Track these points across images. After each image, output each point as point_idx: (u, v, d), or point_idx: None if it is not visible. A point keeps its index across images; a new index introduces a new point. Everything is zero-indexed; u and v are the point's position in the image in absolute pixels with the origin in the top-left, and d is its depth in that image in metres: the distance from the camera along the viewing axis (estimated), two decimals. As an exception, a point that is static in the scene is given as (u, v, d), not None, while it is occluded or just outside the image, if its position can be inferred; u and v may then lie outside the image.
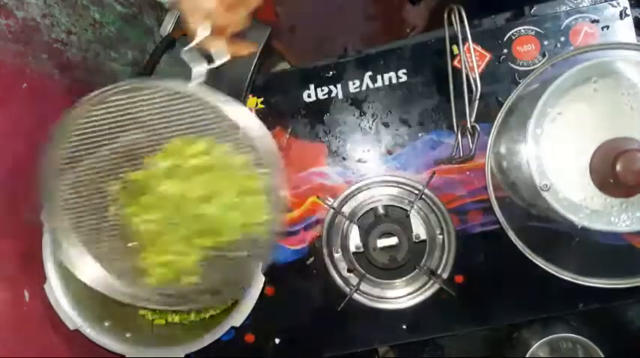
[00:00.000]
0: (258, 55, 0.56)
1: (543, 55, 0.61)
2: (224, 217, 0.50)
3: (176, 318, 0.61)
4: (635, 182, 0.46)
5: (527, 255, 0.54)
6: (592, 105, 0.51)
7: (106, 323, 0.57)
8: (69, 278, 0.55)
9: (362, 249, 0.62)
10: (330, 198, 0.64)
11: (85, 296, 0.57)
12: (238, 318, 0.53)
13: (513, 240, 0.54)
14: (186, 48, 0.47)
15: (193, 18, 0.47)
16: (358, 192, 0.64)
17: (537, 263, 0.54)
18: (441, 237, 0.63)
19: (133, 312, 0.61)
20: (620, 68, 0.50)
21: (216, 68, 0.49)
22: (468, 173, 0.62)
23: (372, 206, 0.63)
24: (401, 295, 0.64)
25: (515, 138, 0.54)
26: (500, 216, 0.54)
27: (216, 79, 0.56)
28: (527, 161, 0.52)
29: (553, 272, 0.54)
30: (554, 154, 0.52)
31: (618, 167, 0.46)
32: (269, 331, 0.64)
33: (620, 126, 0.50)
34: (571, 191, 0.52)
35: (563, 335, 0.64)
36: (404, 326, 0.64)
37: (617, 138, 0.49)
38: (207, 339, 0.54)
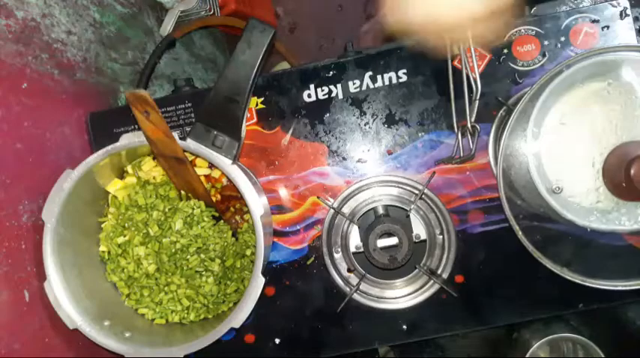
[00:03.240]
0: (262, 56, 0.55)
1: (543, 55, 0.61)
2: None
3: (176, 318, 0.61)
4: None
5: (537, 258, 0.53)
6: (591, 107, 0.51)
7: (106, 323, 0.56)
8: (69, 277, 0.56)
9: (362, 249, 0.62)
10: (330, 198, 0.64)
11: (84, 295, 0.57)
12: (238, 319, 0.53)
13: (522, 240, 0.53)
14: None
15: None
16: (358, 192, 0.64)
17: (545, 264, 0.53)
18: (440, 237, 0.63)
19: (132, 312, 0.61)
20: (623, 70, 0.50)
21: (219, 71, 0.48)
22: (467, 173, 0.62)
23: (372, 206, 0.63)
24: (401, 295, 0.64)
25: (515, 138, 0.54)
26: (509, 215, 0.53)
27: (220, 81, 0.56)
28: (526, 161, 0.52)
29: (558, 272, 0.53)
30: (555, 154, 0.52)
31: (633, 171, 0.46)
32: (269, 331, 0.64)
33: (630, 129, 0.50)
34: (571, 191, 0.52)
35: (563, 335, 0.64)
36: (404, 326, 0.64)
37: (632, 142, 0.49)
38: (207, 339, 0.54)
